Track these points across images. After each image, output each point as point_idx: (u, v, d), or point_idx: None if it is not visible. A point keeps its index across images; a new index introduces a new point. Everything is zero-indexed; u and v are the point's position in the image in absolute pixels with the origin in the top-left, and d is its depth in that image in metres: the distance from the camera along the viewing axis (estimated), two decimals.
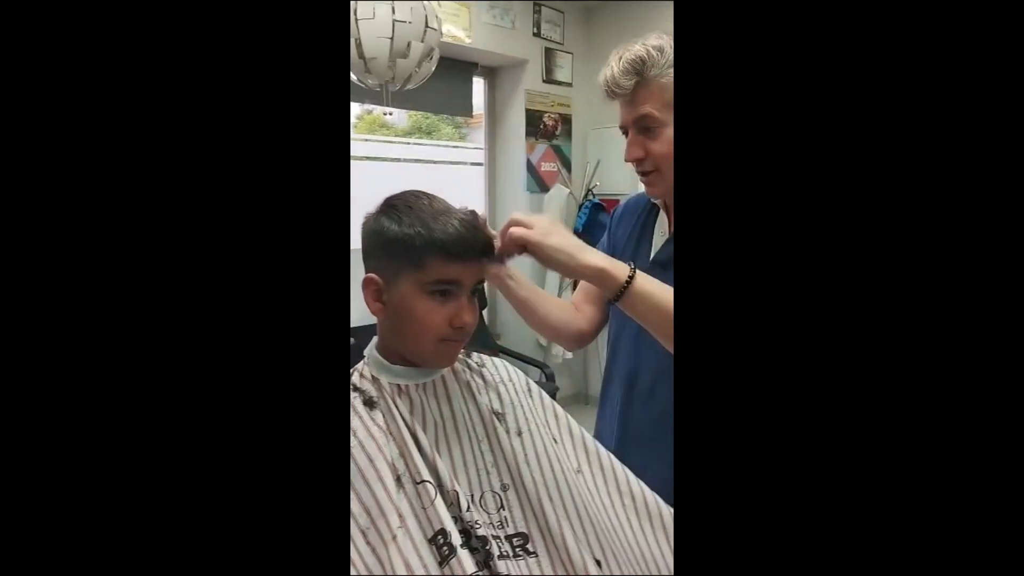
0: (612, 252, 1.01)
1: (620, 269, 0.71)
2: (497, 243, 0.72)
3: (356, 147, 2.64)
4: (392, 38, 1.48)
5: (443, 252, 0.64)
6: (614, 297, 0.71)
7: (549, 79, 3.01)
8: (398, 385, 0.70)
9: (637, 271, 0.71)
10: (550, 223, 0.72)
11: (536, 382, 0.84)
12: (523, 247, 0.71)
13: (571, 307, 1.03)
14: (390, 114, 1.85)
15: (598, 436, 1.04)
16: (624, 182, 3.06)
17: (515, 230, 0.71)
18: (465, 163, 3.39)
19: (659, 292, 0.71)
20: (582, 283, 1.06)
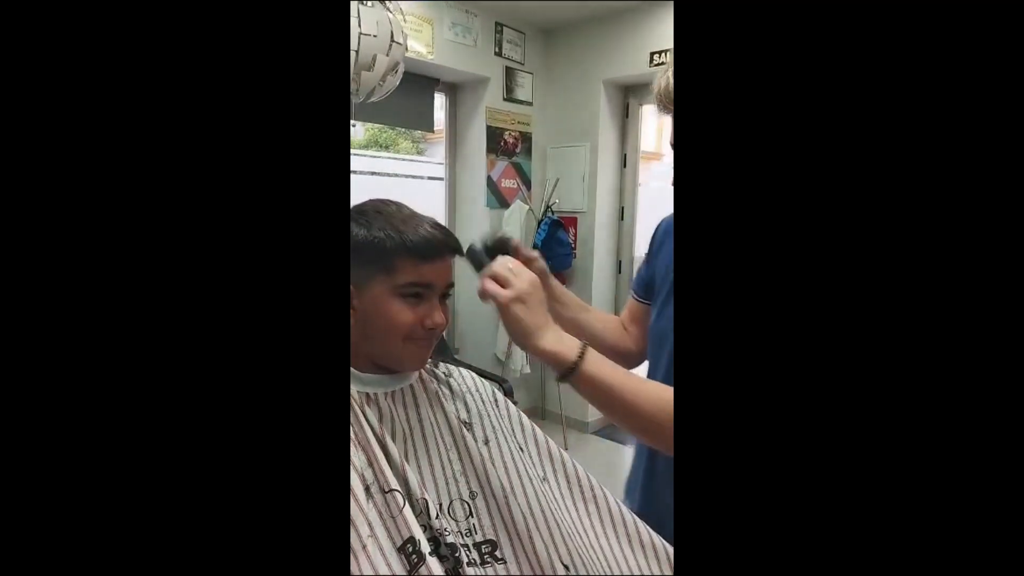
0: (650, 280, 1.00)
1: (569, 351, 0.68)
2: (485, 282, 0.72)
3: None
4: (358, 51, 1.49)
5: (414, 254, 0.65)
6: (560, 378, 0.69)
7: (510, 97, 3.06)
8: (367, 394, 0.70)
9: (588, 352, 0.69)
10: (526, 289, 0.69)
11: None
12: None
13: (619, 325, 1.04)
14: (354, 125, 1.84)
15: (634, 465, 1.04)
16: (582, 200, 3.13)
17: (490, 287, 0.69)
18: (423, 177, 3.40)
19: (606, 377, 0.69)
20: (628, 302, 1.06)
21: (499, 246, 0.83)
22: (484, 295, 0.70)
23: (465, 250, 0.78)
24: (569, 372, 0.68)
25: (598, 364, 0.70)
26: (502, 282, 0.69)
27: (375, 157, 3.54)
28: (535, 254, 0.87)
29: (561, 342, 0.69)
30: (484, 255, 0.79)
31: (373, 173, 3.20)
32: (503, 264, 0.71)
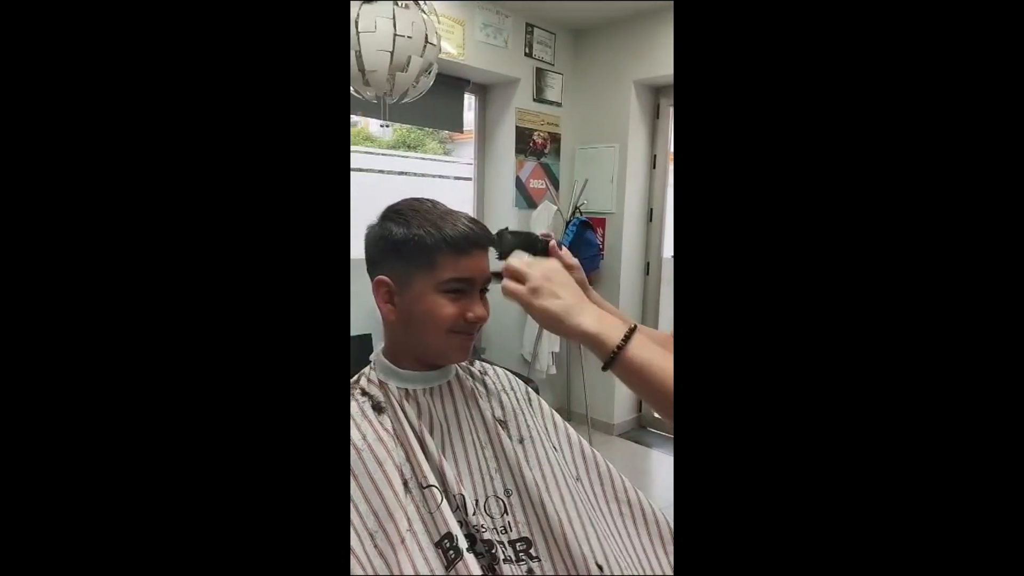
0: None
1: (614, 333, 0.61)
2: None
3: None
4: (392, 52, 1.50)
5: (454, 249, 0.66)
6: (604, 364, 0.62)
7: (539, 98, 3.06)
8: (406, 390, 0.71)
9: (636, 335, 0.61)
10: (542, 277, 0.63)
11: None
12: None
13: (671, 340, 0.89)
14: (387, 126, 1.86)
15: None
16: (611, 201, 3.11)
17: (507, 284, 0.65)
18: (449, 177, 3.42)
19: (653, 363, 0.60)
20: None
21: (525, 243, 0.79)
22: (505, 293, 0.66)
23: (496, 232, 0.76)
24: (612, 357, 0.60)
25: (646, 349, 0.61)
26: (518, 278, 0.64)
27: (404, 157, 3.57)
28: (574, 261, 0.79)
29: (602, 323, 0.62)
30: (507, 245, 0.76)
31: (401, 173, 3.23)
32: (517, 259, 0.67)
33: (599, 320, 0.62)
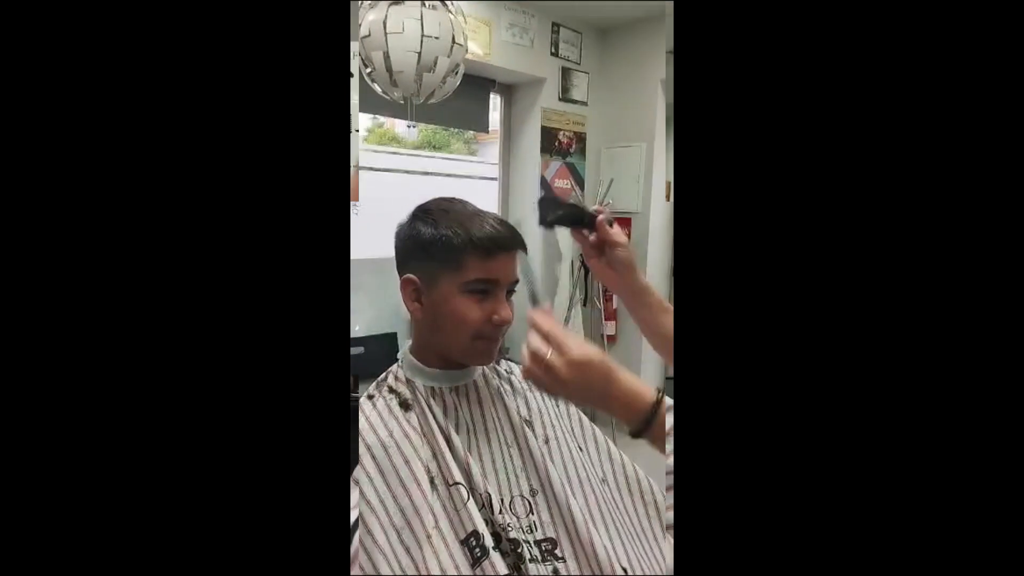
0: None
1: (638, 419, 0.57)
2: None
3: (366, 158, 2.67)
4: (420, 53, 1.51)
5: (480, 250, 0.66)
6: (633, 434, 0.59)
7: (565, 98, 3.05)
8: (432, 387, 0.71)
9: (659, 410, 0.57)
10: (565, 375, 0.55)
11: None
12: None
13: None
14: (414, 126, 1.88)
15: None
16: (636, 201, 3.09)
17: (530, 369, 0.57)
18: (475, 177, 3.43)
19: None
20: None
21: (572, 216, 0.72)
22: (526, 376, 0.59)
23: (538, 199, 0.72)
24: (639, 432, 0.58)
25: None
26: (538, 356, 0.56)
27: (430, 157, 3.60)
28: (622, 239, 0.73)
29: (628, 407, 0.58)
30: (552, 216, 0.71)
31: (427, 173, 3.25)
32: (538, 330, 0.57)
33: (625, 406, 0.58)
